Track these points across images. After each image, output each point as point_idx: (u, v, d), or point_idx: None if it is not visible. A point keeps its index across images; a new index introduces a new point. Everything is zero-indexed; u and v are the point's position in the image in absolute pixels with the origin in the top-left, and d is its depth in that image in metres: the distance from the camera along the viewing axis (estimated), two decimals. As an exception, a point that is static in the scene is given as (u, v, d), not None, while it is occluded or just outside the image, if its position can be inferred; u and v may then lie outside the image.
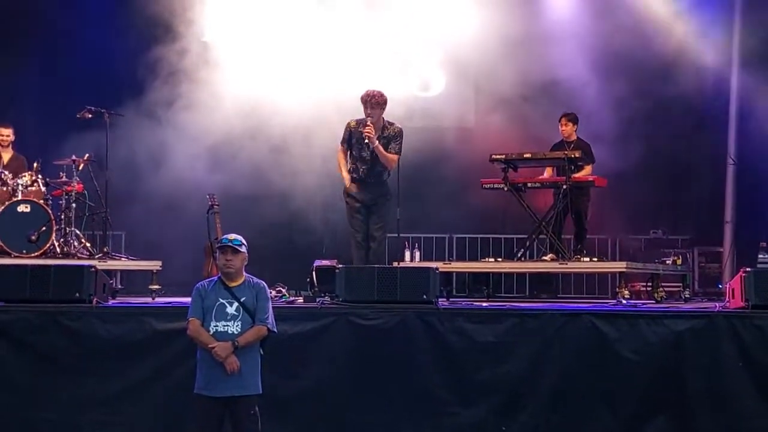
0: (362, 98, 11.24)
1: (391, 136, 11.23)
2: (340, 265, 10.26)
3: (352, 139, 11.32)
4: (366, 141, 11.08)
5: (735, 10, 14.81)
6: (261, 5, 15.37)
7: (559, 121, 13.17)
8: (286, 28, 15.32)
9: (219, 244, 8.14)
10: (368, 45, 15.12)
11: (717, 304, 10.29)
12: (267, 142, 14.58)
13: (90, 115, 13.14)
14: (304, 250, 14.05)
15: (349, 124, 11.41)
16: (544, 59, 14.57)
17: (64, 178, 12.72)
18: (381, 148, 11.11)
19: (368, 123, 11.08)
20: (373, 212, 11.27)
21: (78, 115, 13.14)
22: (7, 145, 13.37)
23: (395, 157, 11.20)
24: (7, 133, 13.37)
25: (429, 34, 15.29)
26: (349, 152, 11.42)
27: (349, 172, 11.38)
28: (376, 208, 11.26)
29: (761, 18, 14.35)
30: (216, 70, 15.28)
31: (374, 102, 11.16)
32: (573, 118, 13.11)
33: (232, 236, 8.15)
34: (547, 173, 13.13)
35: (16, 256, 11.86)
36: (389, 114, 11.50)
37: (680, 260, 13.53)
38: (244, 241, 8.13)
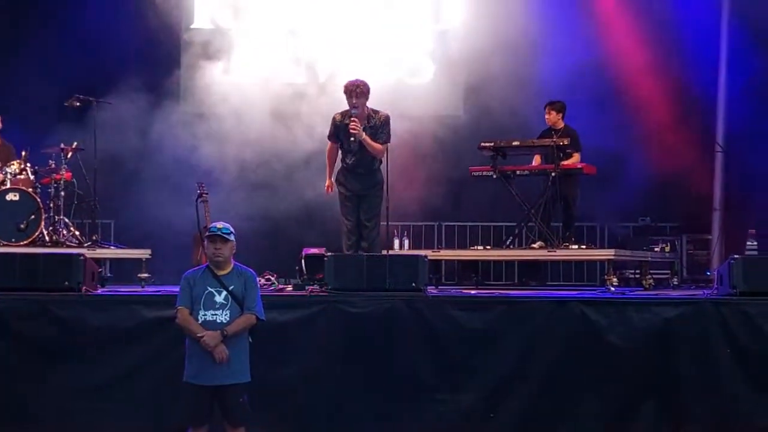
0: (346, 89, 11.22)
1: (378, 125, 11.18)
2: (329, 253, 10.27)
3: (339, 132, 11.29)
4: (352, 136, 11.05)
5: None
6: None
7: (544, 108, 13.18)
8: (275, 15, 15.31)
9: (208, 233, 8.13)
10: (357, 32, 15.12)
11: (705, 291, 10.32)
12: (256, 130, 14.56)
13: (78, 104, 13.15)
14: (293, 238, 14.05)
15: (334, 118, 11.37)
16: (533, 48, 14.56)
17: (52, 167, 12.70)
18: (368, 140, 11.07)
19: (353, 116, 11.06)
20: (363, 202, 11.25)
21: (66, 104, 13.15)
22: (-4, 132, 13.38)
23: (383, 147, 11.17)
24: None
25: (418, 21, 15.31)
26: (339, 145, 11.38)
27: (341, 161, 11.35)
28: (367, 198, 11.24)
29: (750, 4, 14.38)
30: (205, 56, 15.27)
31: (359, 92, 11.12)
32: (558, 107, 13.11)
33: (221, 225, 8.13)
34: (536, 161, 13.15)
35: (4, 245, 11.86)
36: (379, 101, 11.49)
37: (669, 247, 13.59)
38: (232, 230, 8.13)
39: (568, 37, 14.43)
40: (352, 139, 11.04)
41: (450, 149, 14.96)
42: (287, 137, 14.53)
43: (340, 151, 11.38)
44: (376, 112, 11.27)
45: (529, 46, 14.49)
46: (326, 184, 11.48)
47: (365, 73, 11.52)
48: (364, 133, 11.05)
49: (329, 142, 11.48)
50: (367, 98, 11.20)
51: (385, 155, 11.14)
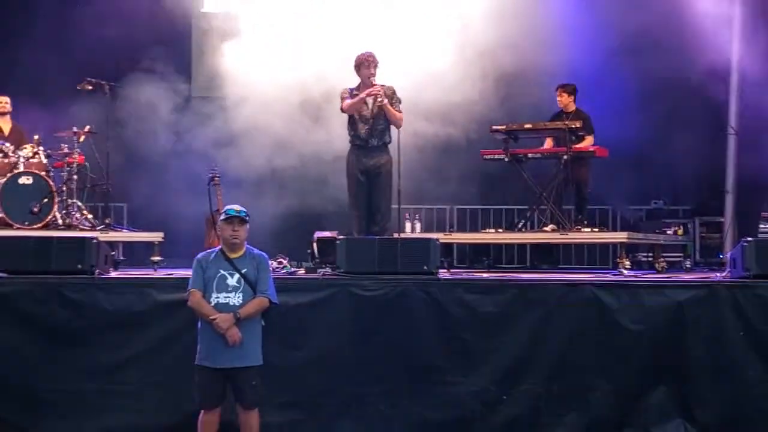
0: (361, 60, 11.26)
1: (390, 95, 11.23)
2: (341, 236, 10.27)
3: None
4: (379, 100, 11.03)
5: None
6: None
7: (556, 91, 13.16)
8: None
9: (226, 215, 8.13)
10: (372, 17, 15.07)
11: (718, 274, 10.31)
12: (267, 114, 14.54)
13: (90, 87, 13.13)
14: (305, 221, 14.06)
15: (343, 92, 11.38)
16: (548, 33, 14.50)
17: (65, 150, 12.71)
18: (389, 106, 11.09)
19: (373, 82, 11.07)
20: (375, 182, 11.21)
21: (78, 87, 13.14)
22: (5, 114, 13.36)
23: (401, 114, 11.20)
24: (5, 101, 13.37)
25: (433, 5, 15.25)
26: (348, 120, 11.35)
27: (351, 141, 11.34)
28: (380, 177, 11.19)
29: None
30: (216, 40, 15.27)
31: (374, 61, 11.21)
32: (569, 89, 13.10)
33: (238, 207, 8.16)
34: (547, 144, 13.13)
35: (18, 228, 11.87)
36: (393, 85, 11.50)
37: (681, 230, 13.58)
38: (248, 212, 8.15)
39: (580, 17, 14.36)
40: (379, 100, 10.99)
41: (462, 132, 14.92)
42: (299, 121, 14.51)
43: (348, 129, 11.33)
44: (382, 85, 11.29)
45: (542, 27, 14.42)
46: (368, 92, 11.23)
47: (380, 59, 11.49)
48: (385, 99, 11.05)
49: (344, 103, 11.40)
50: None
51: (398, 138, 11.11)
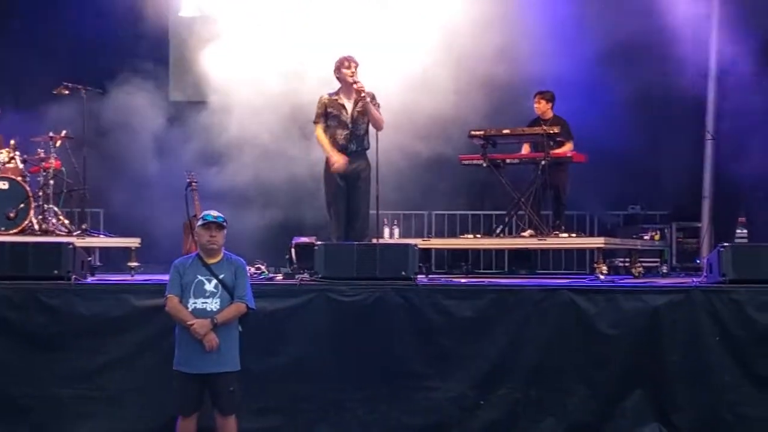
0: (341, 61, 11.15)
1: (370, 98, 11.15)
2: (319, 242, 10.26)
3: (328, 109, 11.21)
4: (363, 95, 10.95)
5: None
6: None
7: (534, 98, 13.19)
8: (265, 3, 15.25)
9: (203, 221, 8.12)
10: (351, 19, 15.06)
11: (694, 279, 10.33)
12: (245, 117, 14.52)
13: (67, 92, 13.10)
14: (283, 227, 14.05)
15: (321, 98, 11.29)
16: (524, 37, 14.53)
17: (41, 155, 12.66)
18: (371, 106, 11.03)
19: (356, 80, 11.03)
20: (354, 186, 11.16)
21: (55, 92, 13.11)
22: (-15, 120, 13.34)
23: (382, 117, 11.14)
24: None
25: (410, 11, 15.25)
26: (325, 127, 11.30)
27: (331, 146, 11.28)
28: (359, 182, 11.13)
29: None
30: (195, 44, 15.24)
31: (354, 61, 11.11)
32: (548, 96, 13.13)
33: (215, 213, 8.16)
34: (524, 150, 13.15)
35: (-6, 234, 11.83)
36: (370, 89, 11.46)
37: (658, 236, 13.62)
38: (225, 218, 8.15)
39: (558, 23, 14.39)
40: (362, 95, 10.95)
41: (440, 137, 14.93)
42: (277, 125, 14.50)
43: (328, 136, 11.27)
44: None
45: (519, 32, 14.45)
46: (335, 159, 11.01)
47: (361, 63, 11.45)
48: (368, 98, 11.01)
49: (317, 126, 11.23)
50: None
51: (376, 142, 11.08)
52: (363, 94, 10.97)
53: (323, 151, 11.17)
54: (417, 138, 14.76)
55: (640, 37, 14.65)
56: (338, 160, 11.00)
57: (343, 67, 11.13)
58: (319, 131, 11.23)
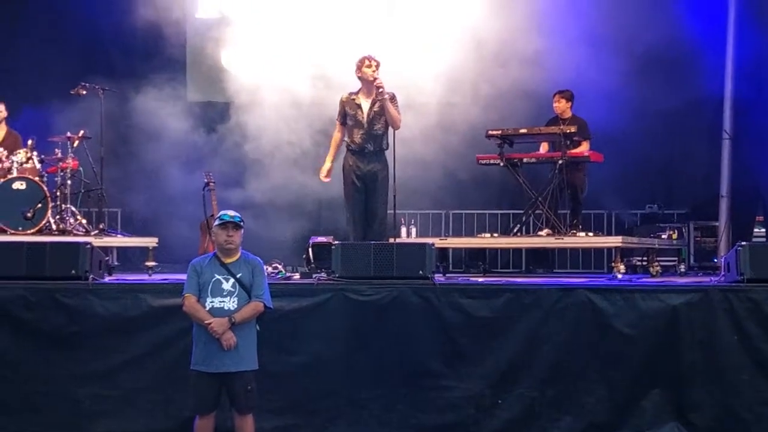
0: (362, 59, 11.19)
1: (390, 97, 11.17)
2: (337, 242, 10.26)
3: (345, 109, 11.25)
4: (380, 91, 10.98)
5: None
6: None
7: (553, 97, 13.16)
8: (281, 4, 15.25)
9: (220, 221, 8.13)
10: (374, 20, 15.06)
11: (712, 278, 10.30)
12: (261, 118, 14.54)
13: (84, 92, 13.14)
14: (300, 227, 14.07)
15: (341, 97, 11.35)
16: (541, 33, 14.51)
17: (59, 155, 12.70)
18: (390, 105, 11.05)
19: (376, 78, 11.05)
20: (372, 188, 11.16)
21: (72, 92, 13.14)
22: (1, 121, 13.34)
23: (401, 116, 11.17)
24: (2, 108, 13.35)
25: (425, 9, 15.24)
26: (344, 128, 11.32)
27: (348, 146, 11.26)
28: (377, 183, 11.13)
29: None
30: (211, 46, 15.27)
31: (375, 61, 11.15)
32: (567, 95, 13.09)
33: (232, 213, 8.16)
34: (543, 149, 13.13)
35: (11, 233, 11.86)
36: (387, 88, 11.45)
37: (676, 234, 13.57)
38: (242, 218, 8.16)
39: (576, 25, 14.37)
40: (380, 90, 10.98)
41: (457, 137, 14.92)
42: (294, 125, 14.51)
43: (346, 135, 11.29)
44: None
45: (538, 33, 14.43)
46: (325, 167, 11.34)
47: (380, 60, 11.45)
48: (387, 96, 11.02)
49: (337, 125, 11.40)
50: None
51: (393, 142, 11.08)
52: (381, 90, 10.98)
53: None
54: (435, 137, 14.76)
55: (658, 37, 14.62)
56: (323, 170, 11.37)
57: (364, 66, 11.16)
58: (336, 134, 11.43)
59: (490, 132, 12.68)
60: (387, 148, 11.17)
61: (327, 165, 11.33)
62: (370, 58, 11.18)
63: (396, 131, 11.07)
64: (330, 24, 14.93)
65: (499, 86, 14.47)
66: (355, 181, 11.12)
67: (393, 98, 11.17)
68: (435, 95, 14.82)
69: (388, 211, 11.17)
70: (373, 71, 11.11)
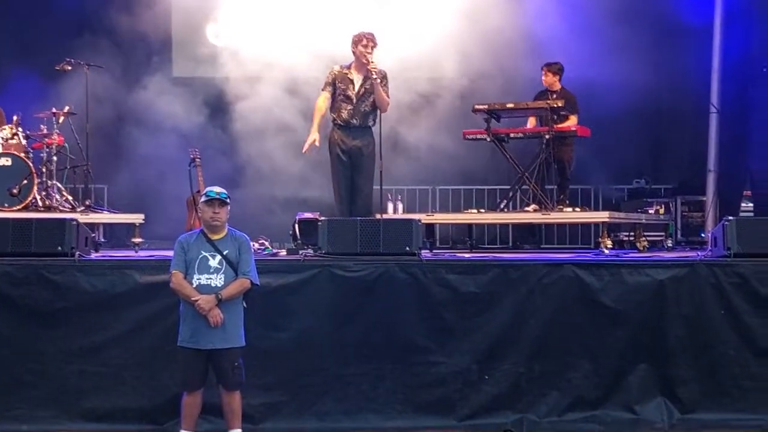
0: (360, 37, 11.05)
1: (381, 77, 11.08)
2: (323, 218, 10.24)
3: (336, 82, 11.16)
4: (374, 77, 10.90)
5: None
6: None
7: (541, 70, 13.12)
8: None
9: (206, 197, 8.11)
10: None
11: (699, 253, 10.33)
12: (247, 94, 14.50)
13: (70, 68, 13.08)
14: (286, 203, 14.04)
15: (332, 69, 11.23)
16: (530, 10, 14.47)
17: (44, 131, 12.64)
18: (380, 87, 10.96)
19: (370, 61, 10.95)
20: (358, 163, 11.12)
21: (57, 67, 13.08)
22: (-14, 97, 13.33)
23: (389, 99, 11.10)
24: None
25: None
26: (332, 100, 11.23)
27: (334, 120, 11.20)
28: (362, 158, 11.09)
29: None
30: (197, 20, 15.20)
31: (373, 42, 11.03)
32: (555, 68, 13.04)
33: (218, 189, 8.14)
34: (530, 123, 13.11)
35: (-3, 210, 11.82)
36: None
37: (663, 209, 13.59)
38: (228, 194, 8.13)
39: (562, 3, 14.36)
40: (373, 76, 10.88)
41: (443, 112, 14.90)
42: (281, 101, 14.46)
43: (331, 109, 11.21)
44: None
45: (525, 6, 14.40)
46: (310, 139, 11.11)
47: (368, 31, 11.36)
48: (379, 78, 10.94)
49: (324, 94, 11.19)
50: None
51: (379, 119, 11.06)
52: (374, 76, 10.90)
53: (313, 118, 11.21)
54: (421, 112, 14.75)
55: (645, 11, 14.62)
56: (309, 141, 11.09)
57: (361, 44, 11.05)
58: (320, 100, 11.26)
59: (477, 106, 12.66)
60: (373, 125, 11.13)
61: (313, 135, 11.14)
62: (368, 38, 11.05)
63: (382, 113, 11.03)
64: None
65: (486, 60, 14.45)
66: (340, 155, 11.09)
67: (384, 78, 11.08)
68: (422, 69, 14.79)
69: (375, 187, 11.14)
70: (369, 53, 11.00)
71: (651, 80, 14.82)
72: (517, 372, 9.26)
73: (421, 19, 14.78)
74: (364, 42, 11.04)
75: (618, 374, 9.23)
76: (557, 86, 13.03)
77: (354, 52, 11.13)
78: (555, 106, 12.33)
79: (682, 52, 14.76)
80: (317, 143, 11.16)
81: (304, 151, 11.25)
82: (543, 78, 13.10)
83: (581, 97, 13.06)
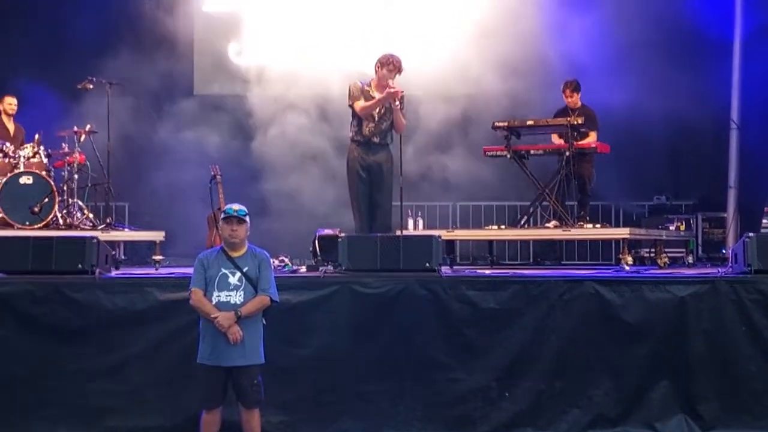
0: (389, 61, 10.85)
1: (400, 99, 11.02)
2: (343, 234, 10.24)
3: (364, 97, 11.05)
4: (397, 103, 10.82)
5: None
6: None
7: (563, 91, 13.08)
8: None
9: (224, 215, 8.13)
10: (370, 12, 15.06)
11: (720, 270, 10.28)
12: (269, 113, 14.55)
13: (92, 86, 13.13)
14: (307, 219, 14.05)
15: (356, 84, 11.03)
16: (547, 25, 14.50)
17: (66, 150, 12.71)
18: (400, 111, 10.88)
19: (391, 85, 10.86)
20: (377, 179, 11.08)
21: (79, 86, 13.13)
22: (13, 115, 13.38)
23: (405, 122, 11.04)
24: (14, 103, 13.40)
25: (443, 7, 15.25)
26: (353, 116, 11.19)
27: (353, 138, 11.13)
28: (382, 174, 11.05)
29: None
30: (218, 39, 15.30)
31: (400, 67, 10.86)
32: (574, 86, 13.03)
33: (237, 206, 8.14)
34: (554, 140, 13.09)
35: (19, 228, 11.86)
36: (395, 80, 11.36)
37: (683, 226, 13.55)
38: (247, 212, 8.14)
39: (584, 14, 14.34)
40: (397, 103, 10.84)
41: (464, 128, 14.92)
42: (301, 121, 14.52)
43: (351, 125, 11.16)
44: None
45: (545, 22, 14.42)
46: (388, 92, 10.73)
47: (377, 54, 11.30)
48: (399, 103, 10.87)
49: (356, 103, 10.92)
50: None
51: (399, 136, 11.06)
52: (397, 103, 10.83)
53: (369, 106, 10.88)
54: (443, 128, 14.78)
55: (665, 28, 14.62)
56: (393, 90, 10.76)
57: (387, 67, 10.85)
58: (360, 104, 10.95)
59: (497, 123, 12.65)
60: (392, 142, 11.09)
61: (387, 90, 10.75)
62: (395, 65, 10.85)
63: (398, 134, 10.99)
64: (338, 17, 14.96)
65: (506, 77, 14.47)
66: (360, 172, 11.03)
67: (401, 100, 10.97)
68: (442, 87, 14.83)
69: (394, 203, 11.13)
70: (392, 78, 10.88)
71: (671, 96, 14.78)
72: (538, 389, 9.22)
73: (441, 36, 14.85)
74: (390, 67, 10.87)
75: (639, 391, 9.18)
76: (578, 103, 13.02)
77: (377, 72, 11.04)
78: (575, 123, 12.31)
79: (702, 67, 14.72)
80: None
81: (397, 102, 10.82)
82: (567, 99, 13.05)
83: (601, 113, 13.05)
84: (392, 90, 10.73)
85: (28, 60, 15.40)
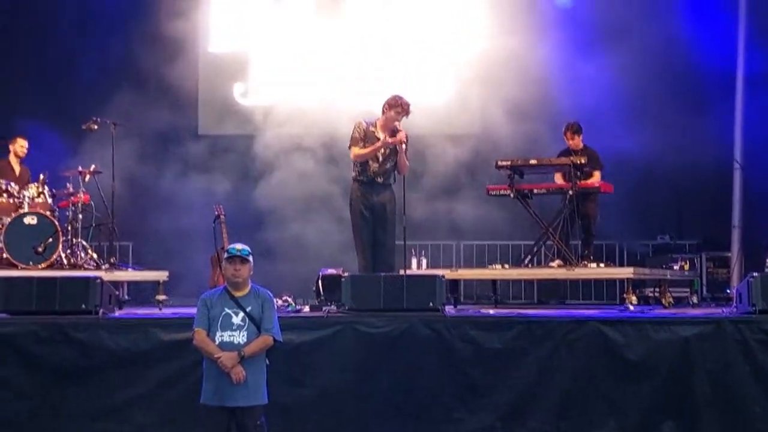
0: (398, 103, 10.85)
1: (404, 142, 11.03)
2: (346, 273, 10.24)
3: (366, 138, 11.05)
4: (403, 147, 10.79)
5: (740, 7, 14.81)
6: (266, 16, 15.43)
7: (564, 134, 13.10)
8: (294, 38, 15.35)
9: (227, 255, 8.13)
10: (376, 52, 15.15)
11: (724, 310, 10.26)
12: (273, 152, 14.59)
13: (96, 126, 13.15)
14: (310, 259, 14.06)
15: (360, 124, 11.07)
16: (550, 66, 14.57)
17: (70, 190, 12.73)
18: (403, 154, 10.89)
19: (399, 128, 10.87)
20: (381, 219, 11.07)
21: (84, 127, 13.16)
22: (20, 156, 13.42)
23: (408, 164, 11.04)
24: (26, 145, 13.42)
25: (436, 40, 15.32)
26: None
27: (355, 178, 11.14)
28: (385, 214, 11.04)
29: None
30: (224, 79, 15.37)
31: (408, 111, 10.87)
32: (575, 128, 13.05)
33: (240, 246, 8.13)
34: (557, 179, 13.10)
35: (23, 268, 11.86)
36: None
37: (688, 265, 13.52)
38: (250, 251, 8.14)
39: (589, 56, 14.40)
40: (403, 147, 10.78)
41: (468, 168, 14.95)
42: (307, 162, 14.57)
43: (353, 166, 11.16)
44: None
45: (546, 64, 14.48)
46: (391, 139, 10.75)
47: (383, 93, 11.33)
48: (404, 145, 10.86)
49: (353, 149, 10.95)
50: None
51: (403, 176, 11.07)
52: (404, 146, 10.84)
53: (364, 154, 10.90)
54: (445, 166, 14.80)
55: (667, 65, 14.68)
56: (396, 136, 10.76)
57: (395, 109, 10.85)
58: (357, 151, 10.98)
59: (500, 162, 12.64)
60: (395, 182, 11.10)
61: (392, 137, 10.77)
62: (404, 108, 10.85)
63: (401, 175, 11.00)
64: (345, 57, 15.05)
65: (509, 116, 14.52)
66: (363, 212, 11.02)
67: (405, 141, 10.97)
68: (444, 125, 14.88)
69: (398, 243, 11.12)
70: (399, 120, 10.87)
71: (674, 136, 14.83)
72: (542, 430, 9.18)
73: (445, 75, 14.91)
74: (398, 109, 10.83)
75: (644, 431, 9.14)
76: (579, 145, 13.05)
77: (384, 112, 11.01)
78: (578, 163, 12.32)
79: (705, 107, 14.77)
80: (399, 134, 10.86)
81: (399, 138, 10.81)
82: (570, 142, 13.07)
83: (604, 153, 13.07)
84: (389, 141, 10.75)
85: (34, 100, 15.48)
